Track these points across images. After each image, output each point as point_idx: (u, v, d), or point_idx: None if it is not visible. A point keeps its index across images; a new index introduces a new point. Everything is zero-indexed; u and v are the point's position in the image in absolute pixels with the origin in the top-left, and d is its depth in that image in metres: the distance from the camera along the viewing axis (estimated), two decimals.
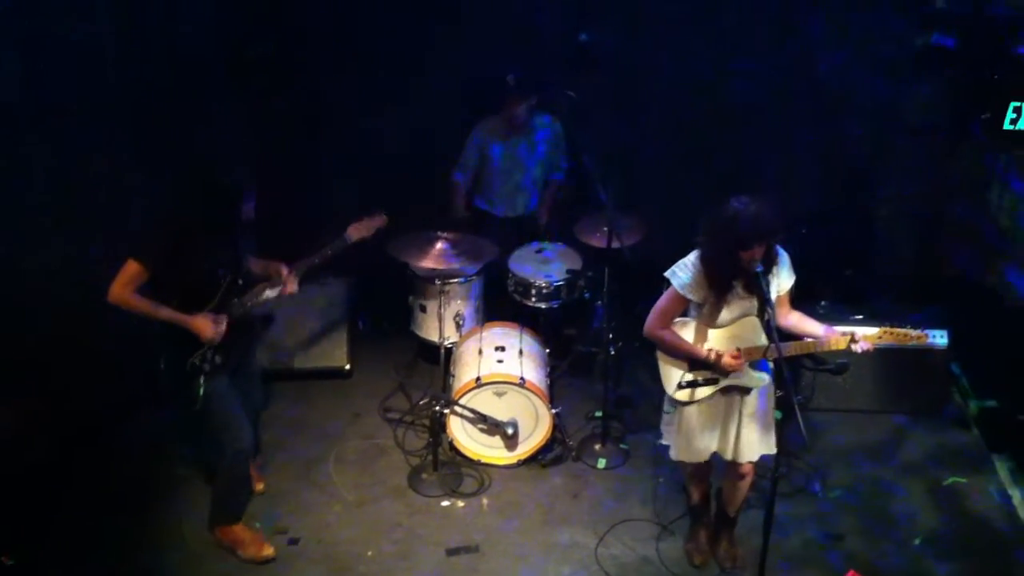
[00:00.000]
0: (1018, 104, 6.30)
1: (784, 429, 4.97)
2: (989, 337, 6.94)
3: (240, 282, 5.18)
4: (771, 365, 4.92)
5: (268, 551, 5.47)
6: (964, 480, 6.20)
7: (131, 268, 4.91)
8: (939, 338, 6.58)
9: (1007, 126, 6.38)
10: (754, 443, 5.03)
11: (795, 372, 6.53)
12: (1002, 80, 6.45)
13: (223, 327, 5.06)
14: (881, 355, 6.51)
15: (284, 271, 5.28)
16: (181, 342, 5.03)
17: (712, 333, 4.90)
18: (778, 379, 4.96)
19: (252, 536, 5.52)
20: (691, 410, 5.02)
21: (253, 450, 5.45)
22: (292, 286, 5.29)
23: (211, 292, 5.08)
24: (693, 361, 4.92)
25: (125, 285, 4.92)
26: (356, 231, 5.46)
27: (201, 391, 5.08)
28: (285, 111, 7.32)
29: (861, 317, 6.35)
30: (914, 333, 4.76)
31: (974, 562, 5.59)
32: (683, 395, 4.98)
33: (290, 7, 7.16)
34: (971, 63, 6.83)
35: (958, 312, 6.79)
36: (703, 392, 4.95)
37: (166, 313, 4.98)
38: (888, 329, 4.77)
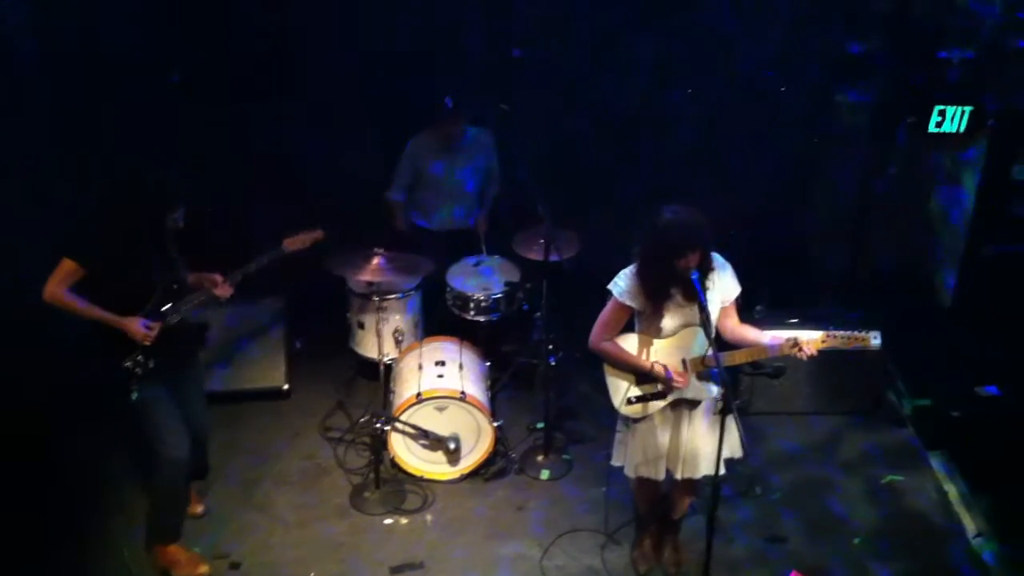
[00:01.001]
0: (942, 107, 6.45)
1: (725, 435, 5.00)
2: (922, 336, 7.07)
3: (175, 287, 5.15)
4: (719, 375, 4.88)
5: (203, 568, 5.41)
6: (901, 478, 6.29)
7: (66, 266, 4.90)
8: (873, 339, 6.66)
9: (932, 129, 6.54)
10: (701, 458, 5.03)
11: (733, 376, 6.58)
12: (926, 84, 6.60)
13: (156, 330, 5.01)
14: (816, 357, 6.58)
15: (219, 278, 5.26)
16: (114, 345, 4.99)
17: (656, 344, 4.90)
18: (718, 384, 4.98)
19: (188, 556, 5.45)
20: (643, 426, 5.01)
21: (189, 462, 5.33)
22: (226, 290, 5.27)
23: (145, 296, 5.04)
24: (640, 375, 4.93)
25: (59, 283, 4.90)
26: (292, 243, 5.48)
27: (134, 395, 5.02)
28: (215, 122, 7.22)
29: (797, 320, 6.42)
30: (858, 335, 4.80)
31: (913, 558, 5.68)
32: (632, 411, 4.98)
33: (219, 17, 7.07)
34: (896, 69, 6.98)
35: (891, 312, 6.87)
36: (653, 406, 4.95)
37: (98, 313, 4.95)
38: (831, 334, 4.79)
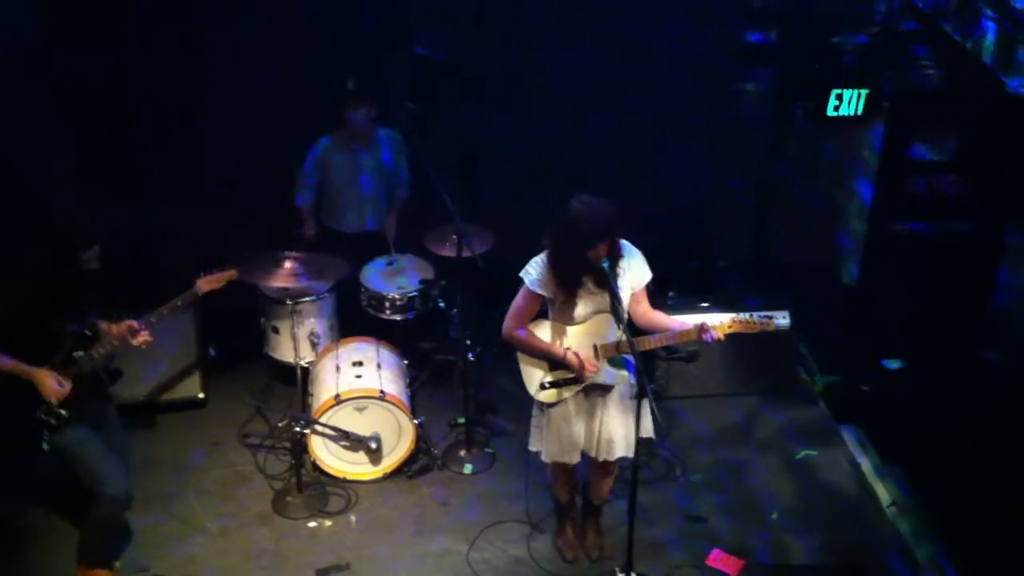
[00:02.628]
0: (839, 91, 6.60)
1: (640, 418, 5.06)
2: (829, 315, 7.24)
3: (88, 333, 5.03)
4: (633, 361, 4.95)
5: None
6: (815, 453, 6.45)
7: None
8: (782, 319, 6.81)
9: (830, 112, 6.68)
10: (619, 441, 5.10)
11: (649, 362, 6.68)
12: (823, 69, 6.75)
13: (67, 388, 4.90)
14: (729, 340, 6.63)
15: (134, 325, 5.11)
16: (26, 395, 4.87)
17: (569, 331, 4.96)
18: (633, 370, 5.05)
19: None
20: (557, 411, 5.07)
21: (131, 494, 5.26)
22: (145, 337, 5.14)
23: (56, 344, 4.92)
24: (552, 361, 4.98)
25: None
26: (207, 283, 5.43)
27: (45, 446, 4.93)
28: (114, 141, 7.10)
29: (707, 304, 6.54)
30: (760, 321, 4.91)
31: (830, 529, 5.82)
32: (547, 396, 5.03)
33: (115, 21, 6.94)
34: (792, 56, 7.13)
35: (798, 293, 7.04)
36: (567, 392, 5.01)
37: (9, 364, 4.82)
38: (736, 319, 4.89)
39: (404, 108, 6.73)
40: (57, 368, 4.91)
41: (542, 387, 4.99)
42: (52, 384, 4.86)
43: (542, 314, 5.02)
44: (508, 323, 4.99)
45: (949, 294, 6.71)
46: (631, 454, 5.00)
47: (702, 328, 4.84)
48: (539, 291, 4.86)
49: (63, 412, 4.93)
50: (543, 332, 4.99)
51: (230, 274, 5.50)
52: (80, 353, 4.98)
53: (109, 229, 5.03)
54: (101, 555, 5.35)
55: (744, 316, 4.91)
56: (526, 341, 4.97)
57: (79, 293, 5.00)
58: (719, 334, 4.85)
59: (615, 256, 4.81)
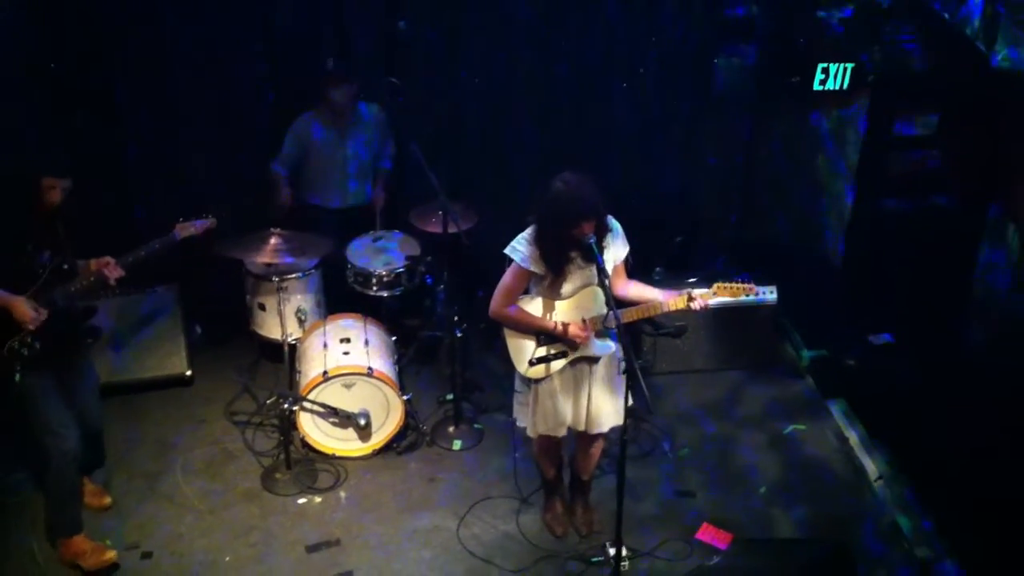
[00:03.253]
0: (825, 65, 6.60)
1: (629, 394, 5.07)
2: (815, 290, 7.27)
3: (65, 267, 5.02)
4: (617, 334, 4.99)
5: (109, 554, 5.31)
6: (803, 427, 6.48)
7: None
8: (768, 294, 6.82)
9: (816, 87, 6.68)
10: (606, 414, 5.13)
11: (636, 337, 6.70)
12: (808, 44, 6.75)
13: (43, 315, 4.88)
14: (716, 315, 6.76)
15: (110, 260, 5.11)
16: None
17: (557, 306, 4.96)
18: (620, 345, 5.06)
19: (93, 546, 5.33)
20: (544, 386, 5.08)
21: (79, 452, 5.20)
22: (116, 271, 5.11)
23: (33, 275, 4.90)
24: (541, 336, 4.98)
25: None
26: (184, 229, 5.42)
27: (18, 377, 4.91)
28: (88, 128, 7.02)
29: (695, 280, 6.54)
30: (744, 287, 4.94)
31: (818, 504, 5.86)
32: (535, 372, 5.03)
33: (87, 17, 6.85)
34: (776, 31, 7.12)
35: (783, 269, 7.03)
36: (555, 366, 5.01)
37: None
38: (721, 285, 4.93)
39: (386, 83, 6.67)
40: (33, 299, 4.89)
41: (531, 363, 4.99)
42: (28, 310, 4.83)
43: (527, 290, 5.02)
44: (497, 301, 4.98)
45: (934, 268, 6.73)
46: (618, 423, 5.02)
47: (689, 297, 4.87)
48: (530, 268, 4.85)
49: (36, 344, 4.91)
50: (532, 308, 4.99)
51: (209, 223, 5.50)
52: (56, 287, 4.96)
53: (77, 166, 5.00)
54: (67, 522, 5.32)
55: (728, 283, 4.95)
56: (515, 317, 4.97)
57: (54, 227, 4.99)
58: (705, 301, 4.90)
59: (602, 231, 4.80)
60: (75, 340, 5.28)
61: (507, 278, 4.95)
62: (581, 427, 5.18)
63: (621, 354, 4.97)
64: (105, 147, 7.04)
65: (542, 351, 5.00)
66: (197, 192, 7.10)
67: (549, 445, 5.38)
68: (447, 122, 7.51)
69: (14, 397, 4.99)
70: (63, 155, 4.92)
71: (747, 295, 5.00)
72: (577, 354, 5.00)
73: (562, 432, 5.20)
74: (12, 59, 6.59)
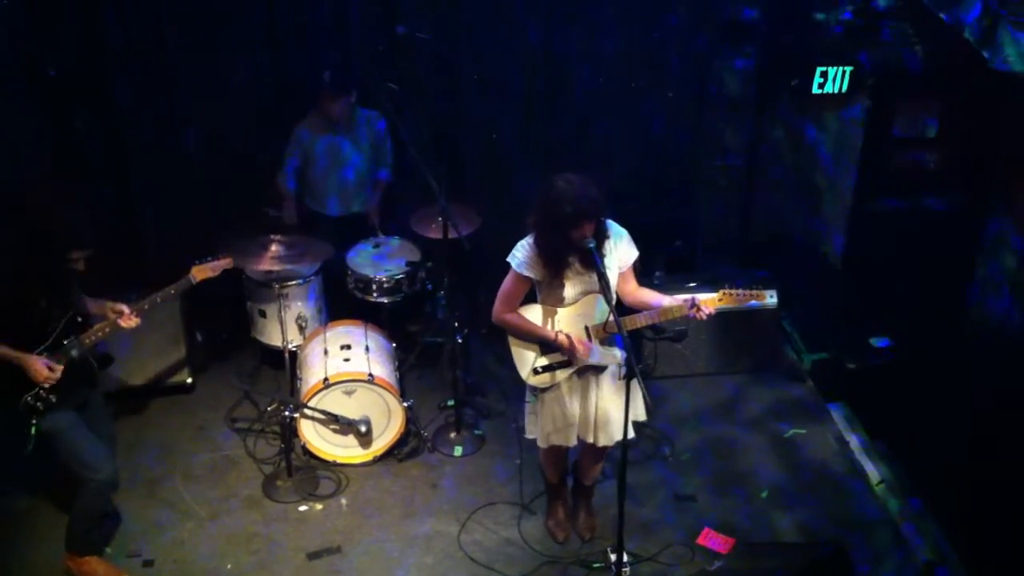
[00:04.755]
0: (824, 68, 6.61)
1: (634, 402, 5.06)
2: (815, 293, 7.27)
3: (78, 320, 5.00)
4: (622, 340, 4.91)
5: None
6: (803, 431, 6.48)
7: None
8: (769, 297, 6.85)
9: (815, 90, 6.69)
10: (613, 423, 5.09)
11: (637, 342, 6.70)
12: (807, 47, 6.75)
13: (58, 372, 4.87)
14: (717, 319, 6.67)
15: (124, 309, 5.10)
16: (13, 381, 4.83)
17: (559, 313, 4.95)
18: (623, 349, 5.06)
19: (107, 568, 5.34)
20: (551, 395, 5.07)
21: (118, 479, 5.26)
22: (131, 321, 5.11)
23: (45, 331, 4.89)
24: (544, 344, 4.98)
25: None
26: (201, 272, 5.42)
27: (33, 431, 4.90)
28: (88, 129, 7.03)
29: (695, 284, 6.54)
30: (752, 292, 4.91)
31: (819, 507, 5.86)
32: (540, 381, 5.02)
33: (87, 18, 6.86)
34: (777, 33, 7.13)
35: (784, 272, 7.07)
36: (560, 375, 5.00)
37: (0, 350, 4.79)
38: (726, 291, 4.90)
39: (385, 89, 6.68)
40: (47, 352, 4.88)
41: (535, 372, 4.99)
42: (42, 368, 4.82)
43: (531, 298, 5.00)
44: (497, 307, 4.98)
45: (934, 270, 6.73)
46: (629, 435, 5.00)
47: (692, 303, 4.84)
48: (526, 273, 4.85)
49: (52, 398, 4.91)
50: (533, 315, 4.98)
51: (225, 262, 5.49)
52: (70, 339, 4.95)
53: (99, 233, 4.98)
54: (89, 542, 5.34)
55: (734, 290, 4.91)
56: (516, 324, 4.96)
57: (68, 282, 4.98)
58: (710, 309, 4.85)
59: (601, 236, 4.80)
60: (91, 381, 5.25)
61: (506, 284, 4.95)
62: (590, 438, 5.17)
63: (622, 358, 4.97)
64: (106, 152, 7.06)
65: (545, 360, 4.99)
66: (200, 194, 7.11)
67: (556, 452, 5.38)
68: (447, 126, 7.51)
69: (39, 443, 4.98)
70: (88, 226, 4.89)
71: (755, 300, 4.96)
72: (582, 363, 4.98)
73: (572, 441, 5.18)
74: (11, 63, 6.60)
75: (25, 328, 4.85)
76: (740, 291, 4.90)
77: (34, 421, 4.91)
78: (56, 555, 5.39)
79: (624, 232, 4.95)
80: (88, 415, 5.18)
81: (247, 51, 7.10)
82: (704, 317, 4.85)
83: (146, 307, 5.18)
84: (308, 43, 7.13)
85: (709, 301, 4.86)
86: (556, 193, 4.65)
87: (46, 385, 4.86)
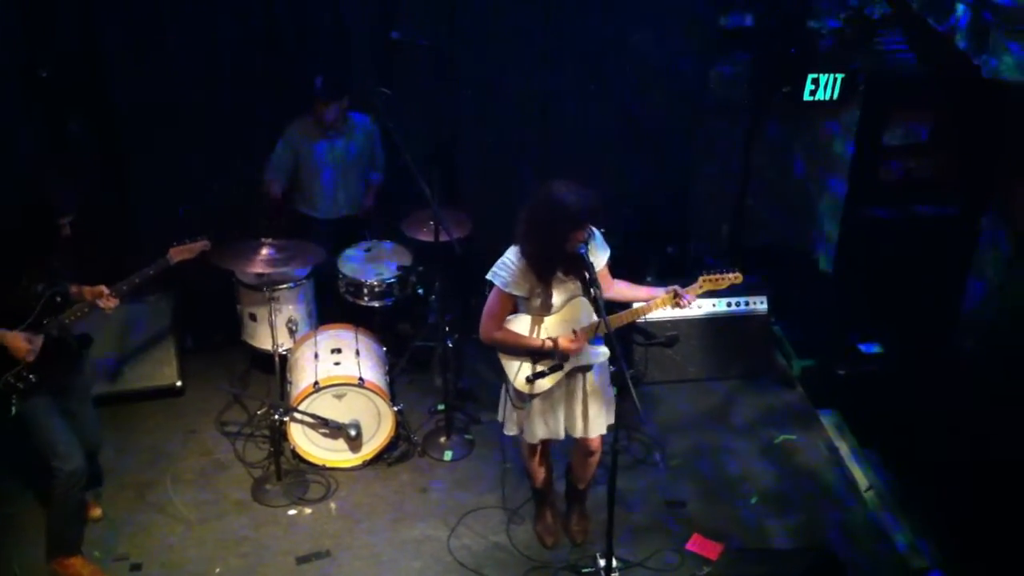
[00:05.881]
0: (815, 76, 6.62)
1: (621, 404, 5.06)
2: (805, 299, 7.28)
3: (58, 299, 5.00)
4: (612, 343, 4.94)
5: None
6: (794, 437, 6.48)
7: None
8: (759, 303, 6.86)
9: (807, 97, 6.70)
10: (599, 417, 5.14)
11: (627, 348, 6.70)
12: (799, 54, 6.76)
13: (38, 345, 4.88)
14: (707, 324, 6.78)
15: (104, 290, 5.10)
16: None
17: (546, 321, 4.95)
18: (611, 356, 5.06)
19: (92, 570, 5.32)
20: (540, 401, 5.09)
21: (86, 472, 5.22)
22: (111, 301, 5.11)
23: (27, 309, 4.89)
24: (535, 354, 4.98)
25: None
26: (178, 253, 5.41)
27: (13, 410, 4.90)
28: (83, 131, 7.01)
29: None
30: (731, 276, 4.99)
31: (809, 514, 5.86)
32: (533, 388, 5.03)
33: (83, 20, 6.84)
34: (769, 40, 7.13)
35: (774, 278, 7.08)
36: (551, 381, 5.01)
37: None
38: (707, 277, 4.98)
39: (377, 93, 6.68)
40: (28, 331, 4.88)
41: (528, 380, 4.99)
42: (22, 343, 4.83)
43: (515, 307, 5.00)
44: (485, 325, 4.96)
45: (925, 278, 6.74)
46: (610, 423, 5.08)
47: (676, 293, 4.89)
48: (513, 292, 4.84)
49: (32, 377, 4.91)
50: (521, 326, 4.97)
51: (202, 244, 5.49)
52: (50, 318, 4.95)
53: (83, 201, 4.97)
54: (67, 541, 5.31)
55: (711, 274, 4.99)
56: (506, 340, 4.95)
57: (51, 258, 4.99)
58: (692, 296, 4.94)
59: (587, 240, 4.80)
60: (71, 364, 5.25)
61: (491, 303, 4.93)
62: (578, 433, 5.19)
63: (612, 362, 4.97)
64: (101, 154, 7.05)
65: (537, 368, 4.99)
66: (193, 194, 7.10)
67: (540, 451, 5.39)
68: (440, 131, 7.51)
69: (13, 426, 4.98)
70: (72, 192, 4.90)
71: (733, 283, 5.02)
72: (572, 365, 5.00)
73: (561, 435, 5.20)
74: (3, 64, 6.59)
75: (6, 306, 4.84)
76: (718, 276, 4.99)
77: (13, 400, 4.91)
78: (42, 560, 5.37)
79: (598, 233, 4.96)
80: (69, 404, 5.19)
81: (243, 53, 7.08)
82: (687, 305, 4.94)
83: (125, 288, 5.17)
84: (305, 47, 7.12)
85: (691, 289, 4.95)
86: (555, 199, 4.63)
87: (28, 359, 4.85)
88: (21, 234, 4.83)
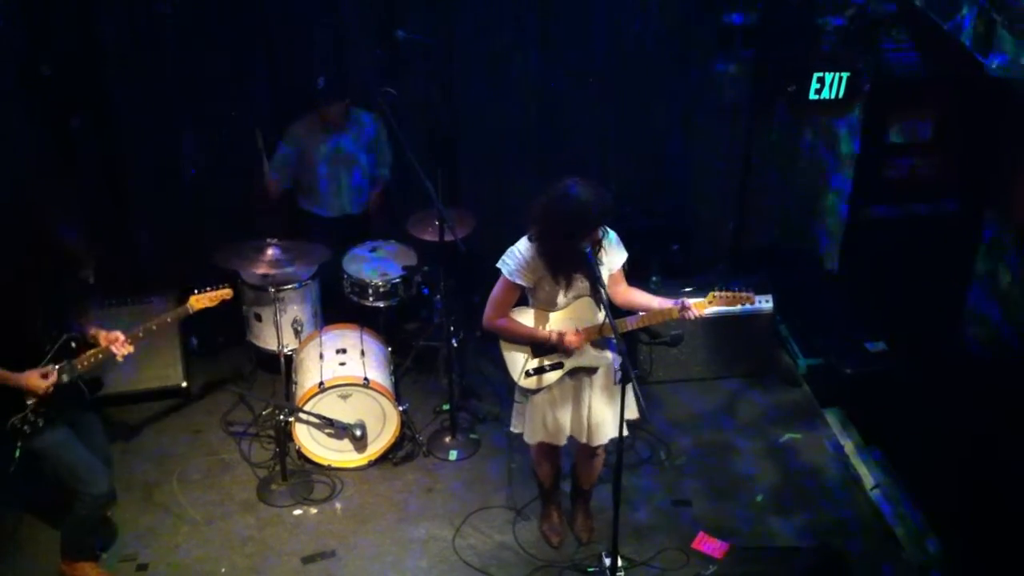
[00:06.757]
0: (820, 74, 6.61)
1: (624, 402, 5.06)
2: (811, 298, 7.27)
3: (72, 345, 4.97)
4: (616, 343, 4.94)
5: None
6: (799, 436, 6.48)
7: None
8: (764, 303, 6.85)
9: (812, 96, 6.68)
10: (606, 424, 5.11)
11: (632, 346, 6.70)
12: (805, 52, 6.75)
13: (53, 377, 4.84)
14: (712, 323, 6.76)
15: (120, 336, 5.06)
16: (1, 402, 4.82)
17: (551, 317, 4.95)
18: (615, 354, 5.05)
19: (100, 574, 5.34)
20: (541, 397, 5.07)
21: (114, 493, 5.24)
22: (126, 348, 5.06)
23: (39, 353, 4.87)
24: (536, 346, 4.98)
25: None
26: (198, 302, 5.40)
27: (17, 454, 4.89)
28: (82, 131, 7.02)
29: (691, 289, 6.54)
30: (741, 295, 4.95)
31: (814, 512, 5.86)
32: (531, 383, 5.03)
33: (83, 19, 6.85)
34: (774, 39, 7.13)
35: (779, 277, 7.06)
36: (551, 377, 5.01)
37: None
38: (716, 293, 4.93)
39: (381, 92, 6.69)
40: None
41: (526, 374, 4.99)
42: (38, 380, 4.79)
43: (522, 300, 5.00)
44: (488, 313, 4.97)
45: (930, 276, 6.74)
46: (618, 433, 5.02)
47: (683, 306, 4.86)
48: (518, 281, 4.84)
49: (39, 421, 4.89)
50: (525, 319, 4.98)
51: (224, 293, 5.47)
52: (63, 363, 4.92)
53: (104, 246, 4.96)
54: (84, 548, 5.33)
55: (722, 292, 4.95)
56: (508, 328, 4.96)
57: (68, 304, 4.98)
58: (700, 311, 4.88)
59: (597, 239, 4.80)
60: (79, 404, 5.20)
61: (497, 290, 4.94)
62: (583, 439, 5.18)
63: (618, 364, 4.97)
64: (101, 155, 7.06)
65: (536, 362, 4.99)
66: (193, 198, 7.11)
67: (547, 452, 5.39)
68: (444, 130, 7.51)
69: (27, 462, 4.99)
70: (86, 242, 4.87)
71: (743, 304, 4.98)
72: (574, 364, 4.99)
73: (562, 441, 5.20)
74: (4, 63, 6.60)
75: (19, 349, 4.82)
76: (728, 293, 4.95)
77: (18, 444, 4.89)
78: (49, 562, 5.39)
79: (613, 234, 4.95)
80: (82, 431, 5.15)
81: (244, 53, 7.09)
82: (692, 318, 4.89)
83: (140, 335, 5.13)
84: (306, 44, 7.12)
85: (699, 304, 4.89)
86: (573, 198, 4.60)
87: (43, 394, 4.82)
88: (42, 286, 4.80)
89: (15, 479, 5.27)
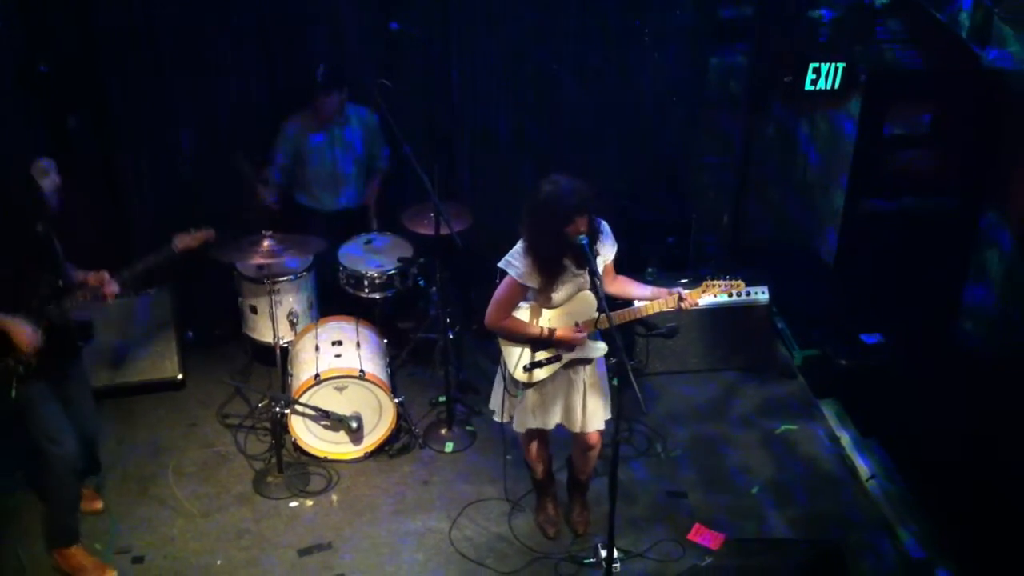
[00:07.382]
0: (816, 65, 6.61)
1: (622, 395, 5.07)
2: (807, 290, 7.27)
3: (59, 284, 5.00)
4: (614, 336, 4.96)
5: (110, 574, 5.29)
6: (795, 427, 6.48)
7: None
8: (760, 294, 6.85)
9: (808, 86, 6.68)
10: (598, 411, 5.15)
11: (628, 339, 6.70)
12: (800, 43, 6.74)
13: (39, 341, 4.87)
14: (709, 315, 6.77)
15: (106, 276, 5.12)
16: None
17: (550, 313, 4.96)
18: (611, 347, 5.06)
19: (93, 562, 5.33)
20: (535, 391, 5.09)
21: (79, 457, 5.20)
22: (112, 287, 5.13)
23: (30, 293, 4.89)
24: (536, 342, 4.98)
25: None
26: (182, 241, 5.40)
27: (13, 393, 4.90)
28: (80, 129, 7.01)
29: (687, 280, 6.52)
30: (734, 283, 4.99)
31: (811, 503, 5.87)
32: (528, 376, 5.03)
33: (81, 18, 6.82)
34: (769, 30, 7.12)
35: (776, 269, 7.07)
36: (549, 370, 5.02)
37: None
38: (710, 283, 4.96)
39: (377, 85, 6.68)
40: (28, 316, 4.88)
41: (526, 368, 4.99)
42: (27, 337, 4.82)
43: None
44: (493, 313, 4.96)
45: (926, 268, 6.74)
46: (608, 417, 5.08)
47: (679, 297, 4.90)
48: (527, 283, 4.84)
49: (32, 361, 4.90)
50: (523, 315, 4.98)
51: (206, 233, 5.48)
52: (52, 304, 4.96)
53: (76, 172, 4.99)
54: (66, 531, 5.31)
55: (716, 281, 4.99)
56: (512, 328, 4.96)
57: (53, 242, 5.02)
58: (694, 300, 4.93)
59: (594, 232, 4.79)
60: (70, 350, 5.26)
61: (502, 292, 4.93)
62: (576, 428, 5.19)
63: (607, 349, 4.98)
64: (99, 150, 7.04)
65: (535, 356, 4.99)
66: (193, 194, 7.10)
67: (537, 441, 5.40)
68: (440, 123, 7.50)
69: (11, 409, 4.98)
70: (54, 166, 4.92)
71: (736, 292, 5.01)
72: (571, 356, 5.00)
73: (550, 425, 5.21)
74: (2, 58, 6.59)
75: (8, 290, 4.85)
76: (724, 282, 4.99)
77: (13, 384, 4.91)
78: (45, 554, 5.39)
79: (607, 226, 4.97)
80: (67, 391, 5.18)
81: (240, 48, 7.07)
82: (688, 307, 4.95)
83: (127, 275, 5.19)
84: (302, 39, 7.10)
85: (693, 293, 4.93)
86: (548, 191, 4.66)
87: (29, 351, 4.84)
88: (23, 224, 4.84)
89: (16, 463, 5.30)
